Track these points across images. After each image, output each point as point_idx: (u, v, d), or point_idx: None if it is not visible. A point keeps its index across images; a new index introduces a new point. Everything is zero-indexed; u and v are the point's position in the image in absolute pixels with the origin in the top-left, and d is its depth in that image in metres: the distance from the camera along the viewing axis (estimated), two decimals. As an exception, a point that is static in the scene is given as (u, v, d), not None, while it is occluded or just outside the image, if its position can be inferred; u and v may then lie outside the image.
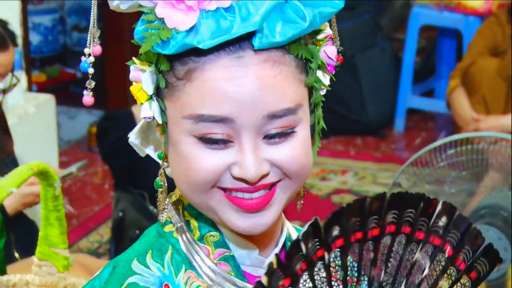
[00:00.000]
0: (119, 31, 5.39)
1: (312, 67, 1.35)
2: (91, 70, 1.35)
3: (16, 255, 3.44)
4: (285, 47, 1.31)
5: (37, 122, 4.67)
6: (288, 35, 1.29)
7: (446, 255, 1.30)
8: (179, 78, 1.31)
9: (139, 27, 1.31)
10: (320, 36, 1.38)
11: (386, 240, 1.27)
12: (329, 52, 1.40)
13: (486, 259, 1.30)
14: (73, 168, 3.76)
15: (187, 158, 1.32)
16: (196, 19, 1.27)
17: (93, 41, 1.36)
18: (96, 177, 5.46)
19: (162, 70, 1.32)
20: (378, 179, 5.39)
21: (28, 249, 3.51)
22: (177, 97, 1.32)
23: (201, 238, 1.41)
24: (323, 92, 1.40)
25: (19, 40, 4.06)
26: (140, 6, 1.31)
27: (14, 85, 3.80)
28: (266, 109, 1.30)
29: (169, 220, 1.42)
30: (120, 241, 4.17)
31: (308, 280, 1.21)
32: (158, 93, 1.34)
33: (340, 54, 1.45)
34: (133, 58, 1.34)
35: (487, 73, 4.88)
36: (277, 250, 1.44)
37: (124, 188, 4.21)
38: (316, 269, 1.22)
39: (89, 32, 1.36)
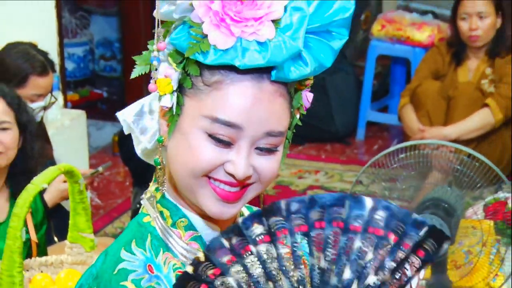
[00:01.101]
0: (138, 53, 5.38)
1: (293, 105, 1.41)
2: (155, 63, 1.36)
3: (55, 239, 3.43)
4: (287, 84, 1.35)
5: (71, 133, 4.66)
6: (295, 76, 1.34)
7: (392, 242, 1.26)
8: (206, 84, 1.33)
9: (180, 34, 1.32)
10: (305, 82, 1.43)
11: (318, 233, 1.26)
12: (308, 96, 1.45)
13: (432, 239, 1.27)
14: (99, 168, 3.75)
15: (194, 148, 1.34)
16: (233, 43, 1.29)
17: (159, 39, 1.36)
18: (118, 176, 5.45)
19: (190, 73, 1.33)
20: (344, 178, 5.38)
21: (64, 234, 3.49)
22: (200, 98, 1.33)
23: (173, 224, 1.42)
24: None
25: (57, 67, 4.05)
26: (189, 19, 1.31)
27: (53, 103, 3.79)
28: (267, 128, 1.34)
29: (146, 212, 1.44)
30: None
31: (242, 270, 1.24)
32: (180, 90, 1.35)
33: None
34: (168, 57, 1.34)
35: (431, 93, 4.88)
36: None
37: (140, 185, 4.20)
38: (248, 260, 1.24)
39: (155, 33, 1.36)
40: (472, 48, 4.87)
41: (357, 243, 1.26)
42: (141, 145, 1.47)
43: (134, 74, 1.40)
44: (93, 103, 6.43)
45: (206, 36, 1.29)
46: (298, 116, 1.44)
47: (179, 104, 1.36)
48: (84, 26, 6.73)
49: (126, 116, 1.45)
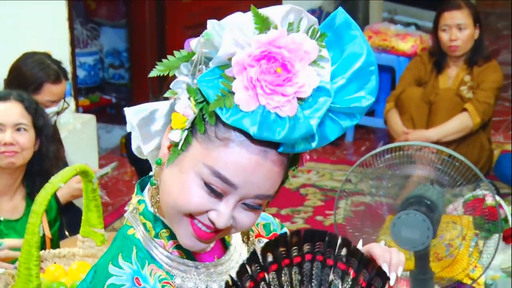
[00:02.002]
0: (144, 64, 5.39)
1: (292, 167, 1.37)
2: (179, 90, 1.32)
3: (67, 233, 3.42)
4: (289, 154, 1.32)
5: (82, 135, 4.65)
6: (300, 150, 1.30)
7: (351, 277, 1.32)
8: (218, 137, 1.28)
9: (209, 78, 1.26)
10: None
11: (307, 265, 1.30)
12: (306, 157, 1.40)
13: (379, 278, 1.33)
14: (108, 169, 3.74)
15: (187, 188, 1.30)
16: (255, 108, 1.24)
17: (196, 70, 1.29)
18: (126, 175, 5.44)
19: (206, 119, 1.28)
20: (334, 176, 5.37)
21: (75, 229, 3.48)
22: (208, 147, 1.29)
23: (157, 235, 1.38)
24: None
25: (69, 75, 4.05)
26: (223, 74, 1.26)
27: (65, 108, 3.78)
28: (260, 191, 1.31)
29: (129, 225, 1.40)
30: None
31: None
32: (192, 129, 1.30)
33: None
34: (190, 97, 1.28)
35: (414, 98, 4.88)
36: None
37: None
38: (260, 287, 1.26)
39: (196, 65, 1.29)
40: (452, 57, 4.87)
41: (331, 276, 1.32)
42: (137, 143, 1.41)
43: (152, 74, 1.32)
44: (103, 108, 6.41)
45: (233, 93, 1.25)
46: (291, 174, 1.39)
47: (187, 142, 1.31)
48: (95, 37, 6.72)
49: (131, 117, 1.39)
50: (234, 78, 1.25)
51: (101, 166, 4.91)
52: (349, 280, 1.32)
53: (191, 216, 1.32)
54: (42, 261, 2.72)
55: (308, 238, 1.30)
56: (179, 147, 1.31)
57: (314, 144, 1.30)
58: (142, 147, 1.40)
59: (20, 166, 3.10)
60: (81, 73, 6.40)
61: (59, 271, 2.68)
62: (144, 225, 1.39)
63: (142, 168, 4.07)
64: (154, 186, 1.38)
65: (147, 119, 1.39)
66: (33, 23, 4.45)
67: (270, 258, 1.27)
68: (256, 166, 1.28)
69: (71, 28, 4.72)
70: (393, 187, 3.25)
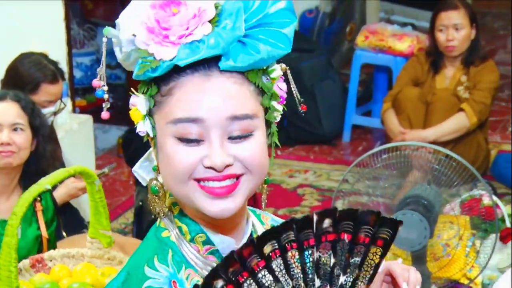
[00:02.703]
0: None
1: (266, 95, 1.35)
2: (105, 96, 1.38)
3: (64, 234, 3.41)
4: (244, 73, 1.31)
5: (79, 136, 4.64)
6: (246, 63, 1.29)
7: (346, 240, 1.27)
8: (163, 95, 1.31)
9: (137, 67, 1.31)
10: (273, 75, 1.36)
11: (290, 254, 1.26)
12: (282, 87, 1.39)
13: (386, 227, 1.29)
14: (105, 169, 3.74)
15: (170, 155, 1.30)
16: (176, 51, 1.27)
17: (102, 78, 1.37)
18: (123, 176, 5.44)
19: (151, 94, 1.32)
20: (331, 177, 5.37)
21: (72, 230, 3.49)
22: (161, 109, 1.31)
23: (192, 239, 1.37)
24: (278, 117, 1.39)
25: (66, 75, 4.04)
26: (137, 49, 1.30)
27: (62, 108, 3.78)
28: (228, 112, 1.29)
29: (163, 227, 1.39)
30: (140, 223, 4.15)
31: (267, 274, 1.24)
32: (150, 113, 1.33)
33: (303, 104, 1.48)
34: (132, 89, 1.34)
35: (411, 98, 4.88)
36: (245, 238, 1.42)
37: (142, 184, 4.18)
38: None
39: (100, 70, 1.37)
40: (448, 58, 4.87)
41: (316, 255, 1.26)
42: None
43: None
44: (100, 109, 6.38)
45: (153, 55, 1.28)
46: (279, 107, 1.38)
47: (153, 126, 1.33)
48: (91, 37, 6.72)
49: (144, 174, 1.43)
50: (149, 45, 1.28)
51: (98, 166, 4.91)
52: (344, 245, 1.27)
53: (197, 182, 1.31)
54: (51, 260, 2.73)
55: (299, 226, 1.26)
56: (152, 134, 1.34)
57: (260, 55, 1.30)
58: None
59: (17, 166, 3.10)
60: (78, 74, 6.40)
61: (64, 271, 2.68)
62: (180, 228, 1.38)
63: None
64: (155, 195, 1.37)
65: (149, 159, 1.43)
66: (30, 24, 4.44)
67: (268, 249, 1.25)
68: (204, 91, 1.29)
69: (68, 29, 4.71)
70: (390, 187, 3.25)
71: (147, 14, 1.28)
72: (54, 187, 3.46)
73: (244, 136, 1.30)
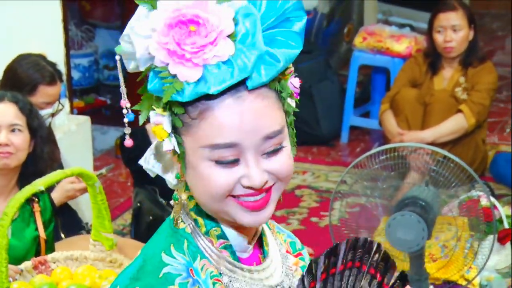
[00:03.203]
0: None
1: (284, 97, 1.35)
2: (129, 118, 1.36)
3: (62, 235, 3.42)
4: (267, 84, 1.31)
5: (77, 137, 4.64)
6: (270, 75, 1.29)
7: (377, 280, 1.39)
8: (193, 118, 1.30)
9: (153, 81, 1.29)
10: (286, 72, 1.37)
11: (347, 272, 1.37)
12: (294, 82, 1.39)
13: (400, 282, 1.42)
14: (103, 170, 3.75)
15: (206, 177, 1.32)
16: (201, 73, 1.25)
17: (125, 97, 1.35)
18: (121, 177, 5.44)
19: (177, 113, 1.30)
20: (329, 178, 5.38)
21: (70, 231, 3.49)
22: (193, 132, 1.30)
23: (207, 232, 1.39)
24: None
25: (64, 77, 4.04)
26: (154, 66, 1.28)
27: (60, 110, 3.78)
28: (262, 133, 1.30)
29: (179, 219, 1.41)
30: (138, 224, 4.15)
31: None
32: (175, 130, 1.32)
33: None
34: (153, 107, 1.32)
35: (408, 99, 4.88)
36: (256, 238, 1.45)
37: (140, 185, 4.19)
38: None
39: (121, 92, 1.36)
40: (446, 59, 4.88)
41: (362, 282, 1.39)
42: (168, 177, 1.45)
43: (142, 120, 1.36)
44: (98, 110, 6.41)
45: (175, 76, 1.26)
46: (293, 103, 1.39)
47: (179, 143, 1.33)
48: (89, 39, 6.72)
49: (146, 162, 1.44)
50: (167, 64, 1.26)
51: (96, 168, 4.91)
52: (375, 284, 1.39)
53: (233, 197, 1.33)
54: (54, 262, 2.73)
55: (352, 246, 1.35)
56: (179, 152, 1.33)
57: (281, 64, 1.30)
58: (169, 179, 1.44)
59: (15, 167, 3.10)
60: (76, 75, 6.40)
61: (65, 273, 2.68)
62: (196, 221, 1.40)
63: (136, 169, 4.08)
64: (176, 201, 1.40)
65: (159, 153, 1.43)
66: (27, 25, 4.45)
67: (321, 268, 1.33)
68: (240, 115, 1.28)
69: (66, 30, 4.71)
70: (388, 189, 3.26)
71: (163, 32, 1.26)
72: (52, 188, 3.47)
73: (277, 149, 1.33)
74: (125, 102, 1.34)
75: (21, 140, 3.07)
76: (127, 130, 1.36)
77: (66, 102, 4.55)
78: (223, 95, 1.28)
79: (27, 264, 2.67)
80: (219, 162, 1.31)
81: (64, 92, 4.50)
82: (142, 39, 1.29)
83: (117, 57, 1.32)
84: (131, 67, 1.35)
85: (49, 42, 4.51)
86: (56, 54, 4.38)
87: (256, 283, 1.42)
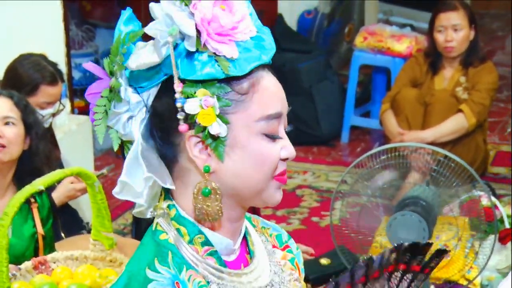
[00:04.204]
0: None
1: None
2: (179, 105, 1.32)
3: (63, 235, 3.41)
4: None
5: (77, 137, 4.64)
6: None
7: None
8: (243, 93, 1.32)
9: (206, 65, 1.30)
10: None
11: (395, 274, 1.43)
12: None
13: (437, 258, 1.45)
14: (104, 170, 3.75)
15: (260, 153, 1.33)
16: (238, 48, 1.31)
17: (175, 82, 1.31)
18: (122, 177, 5.43)
19: (220, 94, 1.31)
20: (329, 178, 5.38)
21: (71, 231, 3.49)
22: (245, 107, 1.32)
23: (191, 241, 1.37)
24: None
25: (65, 77, 4.04)
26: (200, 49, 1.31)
27: (61, 110, 3.78)
28: (286, 105, 1.38)
29: (161, 229, 1.38)
30: (139, 224, 4.14)
31: None
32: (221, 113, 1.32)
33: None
34: (178, 89, 1.30)
35: (409, 99, 4.88)
36: (240, 238, 1.44)
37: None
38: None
39: (175, 84, 1.31)
40: (447, 58, 4.87)
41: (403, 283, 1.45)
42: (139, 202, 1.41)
43: (115, 146, 1.38)
44: (98, 109, 6.41)
45: (221, 54, 1.29)
46: None
47: (226, 124, 1.32)
48: (90, 38, 6.72)
49: (125, 179, 1.39)
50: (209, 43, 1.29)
51: (97, 167, 4.91)
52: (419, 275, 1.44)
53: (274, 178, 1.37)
54: (54, 262, 2.73)
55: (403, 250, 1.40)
56: (225, 134, 1.32)
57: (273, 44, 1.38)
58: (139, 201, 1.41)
59: (9, 163, 3.08)
60: (76, 75, 6.40)
61: (65, 273, 2.68)
62: (178, 230, 1.38)
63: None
64: (211, 195, 1.34)
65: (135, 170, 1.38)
66: (28, 25, 4.44)
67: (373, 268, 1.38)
68: (276, 85, 1.36)
69: (67, 30, 4.71)
70: (389, 188, 3.25)
71: (204, 11, 1.29)
72: (52, 187, 3.46)
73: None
74: (178, 86, 1.31)
75: (14, 134, 3.05)
76: (181, 116, 1.31)
77: (67, 102, 4.55)
78: (262, 68, 1.33)
79: (27, 264, 2.67)
80: (269, 136, 1.33)
81: (65, 92, 4.50)
82: (183, 19, 1.29)
83: (170, 39, 1.28)
84: (159, 56, 1.32)
85: (49, 42, 4.51)
86: (56, 54, 4.38)
87: (245, 287, 1.41)
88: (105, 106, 1.35)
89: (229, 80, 1.31)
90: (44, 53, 3.90)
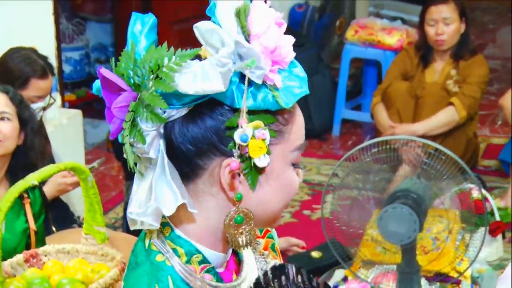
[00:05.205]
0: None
1: None
2: (239, 142, 1.30)
3: (54, 229, 3.41)
4: None
5: (68, 131, 4.64)
6: None
7: None
8: (284, 124, 1.32)
9: (262, 97, 1.28)
10: None
11: None
12: None
13: None
14: (94, 164, 3.74)
15: (290, 182, 1.34)
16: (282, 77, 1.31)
17: (243, 116, 1.29)
18: (112, 171, 5.43)
19: (268, 123, 1.30)
20: (321, 171, 5.39)
21: (62, 225, 3.49)
22: (285, 138, 1.32)
23: (188, 261, 1.35)
24: None
25: (55, 70, 4.04)
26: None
27: (52, 103, 3.78)
28: None
29: (156, 250, 1.35)
30: (131, 218, 4.15)
31: None
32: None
33: None
34: (245, 124, 1.27)
35: (400, 92, 4.89)
36: (228, 247, 1.41)
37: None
38: None
39: (240, 119, 1.28)
40: (438, 51, 4.88)
41: None
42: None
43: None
44: (89, 103, 6.39)
45: (274, 85, 1.29)
46: None
47: (268, 155, 1.30)
48: (81, 32, 6.70)
49: (139, 217, 1.34)
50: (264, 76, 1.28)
51: (88, 161, 4.91)
52: None
53: None
54: (45, 256, 2.72)
55: (276, 274, 1.33)
56: (265, 165, 1.30)
57: None
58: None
59: (3, 157, 3.08)
60: (67, 68, 6.38)
61: (56, 266, 2.67)
62: (174, 250, 1.35)
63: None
64: (243, 223, 1.33)
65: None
66: (18, 19, 4.43)
67: None
68: (301, 114, 1.37)
69: (57, 23, 4.70)
70: (379, 181, 3.26)
71: (271, 40, 1.28)
72: (44, 181, 3.46)
73: None
74: (244, 121, 1.28)
75: (9, 129, 3.05)
76: (236, 153, 1.29)
77: (57, 96, 4.54)
78: None
79: (18, 258, 2.66)
80: (295, 164, 1.35)
81: (56, 85, 4.49)
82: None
83: (248, 73, 1.26)
84: (249, 103, 1.29)
85: (40, 36, 4.50)
86: (47, 47, 4.37)
87: None
88: (131, 121, 1.29)
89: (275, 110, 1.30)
90: (35, 46, 3.89)
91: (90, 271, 2.62)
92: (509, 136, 4.95)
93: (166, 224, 1.36)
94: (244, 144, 1.27)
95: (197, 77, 1.24)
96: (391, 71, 5.05)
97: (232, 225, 1.32)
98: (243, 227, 1.33)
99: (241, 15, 1.27)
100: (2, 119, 3.06)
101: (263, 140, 1.28)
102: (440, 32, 4.77)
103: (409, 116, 4.85)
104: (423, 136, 4.35)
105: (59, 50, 4.72)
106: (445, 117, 4.77)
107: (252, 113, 1.28)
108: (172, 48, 1.27)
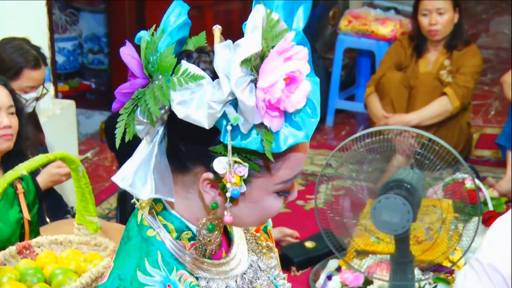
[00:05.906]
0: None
1: None
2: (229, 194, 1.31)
3: (48, 220, 3.41)
4: None
5: (61, 121, 4.63)
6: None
7: None
8: (276, 161, 1.31)
9: (253, 140, 1.27)
10: None
11: None
12: None
13: None
14: (88, 154, 3.74)
15: (268, 208, 1.35)
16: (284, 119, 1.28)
17: (232, 172, 1.29)
18: (106, 161, 5.43)
19: (253, 158, 1.30)
20: (314, 161, 5.38)
21: (56, 215, 3.49)
22: (271, 173, 1.32)
23: (178, 237, 1.37)
24: None
25: (48, 60, 4.02)
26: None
27: (44, 94, 3.77)
28: None
29: (147, 225, 1.38)
30: (123, 208, 4.15)
31: None
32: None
33: None
34: (234, 159, 1.28)
35: (394, 82, 4.89)
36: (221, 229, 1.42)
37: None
38: None
39: (229, 164, 1.29)
40: (431, 42, 4.88)
41: None
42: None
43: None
44: (82, 94, 6.38)
45: (269, 129, 1.27)
46: None
47: (246, 183, 1.31)
48: (73, 22, 6.69)
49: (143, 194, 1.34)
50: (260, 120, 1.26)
51: (81, 151, 4.90)
52: None
53: None
54: (39, 247, 2.72)
55: None
56: (242, 190, 1.31)
57: None
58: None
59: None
60: (60, 59, 6.37)
61: (50, 257, 2.67)
62: (165, 226, 1.38)
63: (122, 153, 4.07)
64: (211, 231, 1.36)
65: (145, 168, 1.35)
66: (11, 9, 4.42)
67: None
68: (305, 147, 1.34)
69: (50, 13, 4.68)
70: (373, 172, 3.26)
71: (273, 95, 1.25)
72: (37, 172, 3.45)
73: None
74: (231, 176, 1.30)
75: (16, 122, 3.09)
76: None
77: (50, 86, 4.53)
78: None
79: (11, 249, 2.66)
80: (281, 193, 1.35)
81: (49, 76, 4.48)
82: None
83: (229, 128, 1.27)
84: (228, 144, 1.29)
85: (33, 26, 4.49)
86: (40, 38, 4.35)
87: (228, 276, 1.42)
88: (132, 107, 1.30)
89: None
90: (27, 37, 3.88)
91: (83, 261, 2.62)
92: (502, 126, 4.96)
93: (159, 201, 1.39)
94: (220, 172, 1.29)
95: (192, 103, 1.25)
96: (384, 61, 5.05)
97: (203, 230, 1.36)
98: (212, 234, 1.37)
99: (251, 62, 1.25)
100: (12, 113, 3.07)
101: (241, 176, 1.29)
102: (433, 22, 4.77)
103: (403, 106, 4.85)
104: (416, 126, 4.36)
105: (52, 40, 4.71)
106: (439, 107, 4.77)
107: (252, 153, 1.29)
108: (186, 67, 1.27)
